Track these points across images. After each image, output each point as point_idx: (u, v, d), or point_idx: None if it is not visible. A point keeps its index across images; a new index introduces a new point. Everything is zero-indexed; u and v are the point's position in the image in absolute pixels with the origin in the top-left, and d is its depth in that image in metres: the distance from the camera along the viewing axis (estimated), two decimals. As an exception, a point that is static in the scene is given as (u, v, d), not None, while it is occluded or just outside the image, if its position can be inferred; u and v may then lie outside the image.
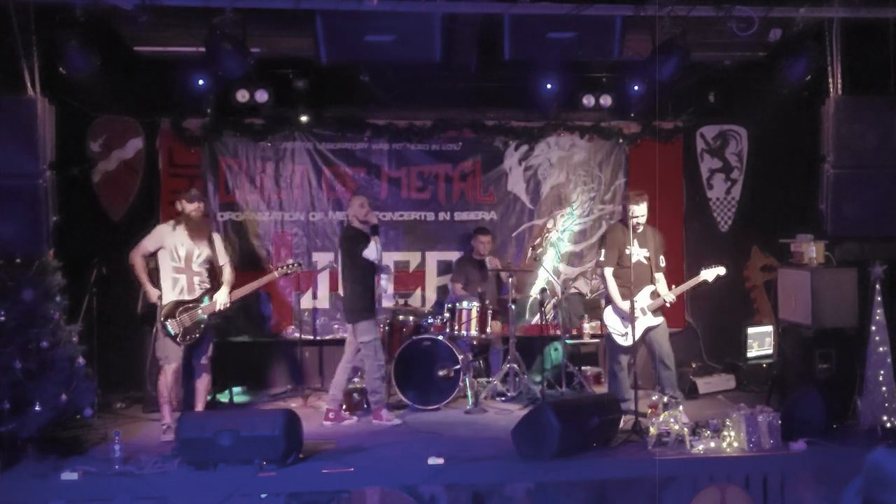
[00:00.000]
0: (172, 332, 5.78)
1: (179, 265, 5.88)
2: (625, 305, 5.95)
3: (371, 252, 6.24)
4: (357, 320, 6.31)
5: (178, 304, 5.84)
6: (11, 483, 4.96)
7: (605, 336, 6.31)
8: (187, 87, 6.61)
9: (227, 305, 6.04)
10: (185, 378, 6.00)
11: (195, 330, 5.87)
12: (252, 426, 5.10)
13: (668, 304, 6.09)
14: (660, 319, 6.11)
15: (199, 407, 6.08)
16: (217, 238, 6.22)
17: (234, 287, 6.12)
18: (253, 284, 6.21)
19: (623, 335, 6.05)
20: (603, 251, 6.19)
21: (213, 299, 5.96)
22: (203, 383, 6.06)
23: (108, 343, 6.65)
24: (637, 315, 5.96)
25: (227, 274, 6.12)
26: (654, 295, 6.10)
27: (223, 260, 6.14)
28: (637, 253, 6.09)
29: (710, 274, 6.10)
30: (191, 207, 5.94)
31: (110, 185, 7.50)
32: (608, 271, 6.12)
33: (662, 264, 6.22)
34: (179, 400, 5.99)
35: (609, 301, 6.17)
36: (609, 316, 6.16)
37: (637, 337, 5.96)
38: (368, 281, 6.40)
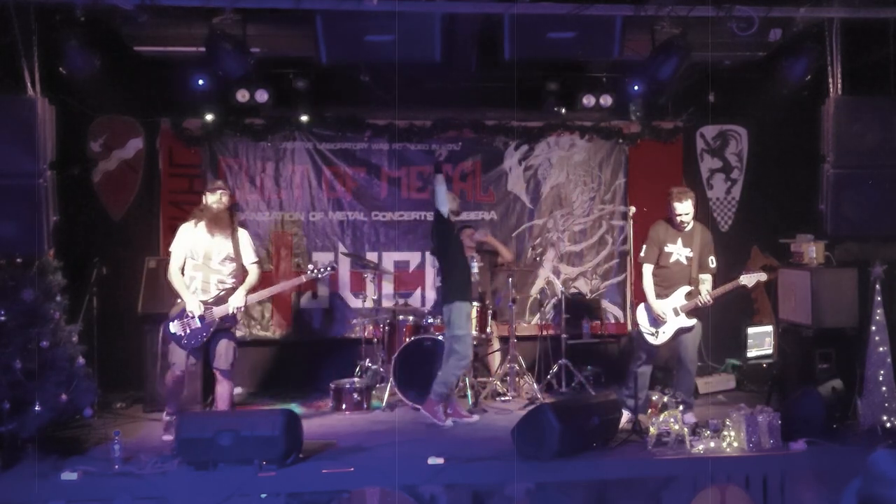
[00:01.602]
0: (176, 335, 5.62)
1: (197, 262, 5.66)
2: (657, 306, 5.93)
3: (440, 195, 6.14)
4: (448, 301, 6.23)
5: None
6: (11, 483, 4.96)
7: (635, 333, 6.25)
8: (187, 87, 6.62)
9: (241, 309, 5.77)
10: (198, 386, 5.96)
11: (202, 333, 5.63)
12: (252, 426, 5.09)
13: (700, 305, 5.94)
14: (692, 322, 5.99)
15: None
16: (244, 235, 5.86)
17: (256, 289, 5.87)
18: (277, 287, 6.15)
19: (653, 334, 6.03)
20: (644, 247, 6.12)
21: (227, 301, 5.68)
22: (223, 390, 5.78)
23: (108, 343, 6.65)
24: (669, 315, 5.95)
25: (252, 276, 5.80)
26: (690, 296, 5.98)
27: (249, 259, 5.79)
28: (678, 252, 6.02)
29: (749, 279, 5.91)
30: (212, 199, 5.69)
31: (110, 185, 7.51)
32: (647, 268, 6.04)
33: (712, 265, 6.04)
34: (182, 401, 5.95)
35: (643, 298, 6.12)
36: (641, 314, 6.11)
37: (668, 337, 5.96)
38: (465, 269, 6.43)
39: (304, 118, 7.61)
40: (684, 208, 5.95)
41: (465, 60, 6.48)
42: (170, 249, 5.74)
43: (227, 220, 5.76)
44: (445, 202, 6.18)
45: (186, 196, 7.58)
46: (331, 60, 5.64)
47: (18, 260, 5.43)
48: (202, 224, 5.69)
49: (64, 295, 5.70)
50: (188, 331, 5.63)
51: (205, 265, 5.69)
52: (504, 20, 5.52)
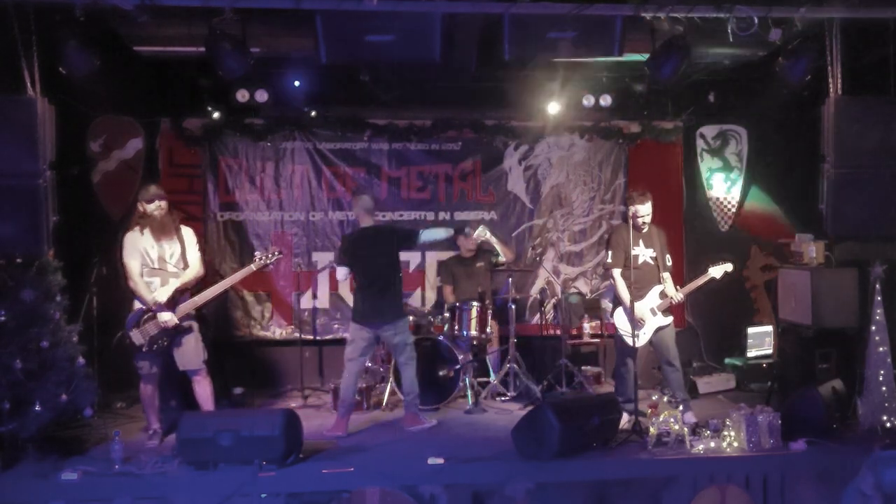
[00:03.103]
0: (137, 343, 5.56)
1: (154, 267, 5.64)
2: (635, 308, 5.93)
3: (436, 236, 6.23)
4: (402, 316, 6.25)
5: (144, 311, 5.59)
6: (11, 483, 4.96)
7: (615, 337, 6.27)
8: (187, 87, 6.61)
9: (160, 303, 5.55)
10: (183, 386, 5.91)
11: (162, 337, 5.59)
12: (252, 426, 5.09)
13: (674, 303, 6.03)
14: (669, 319, 6.07)
15: None
16: (188, 233, 5.81)
17: (206, 286, 5.82)
18: (228, 280, 5.92)
19: (633, 337, 6.02)
20: (609, 253, 6.16)
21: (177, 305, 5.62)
22: (203, 390, 5.77)
23: (108, 343, 6.65)
24: (647, 316, 5.96)
25: (187, 274, 5.69)
26: (663, 294, 6.05)
27: (191, 257, 5.74)
28: (643, 253, 6.06)
29: (717, 271, 6.04)
30: (151, 207, 5.64)
31: (110, 185, 7.50)
32: (616, 273, 6.08)
33: (669, 263, 6.16)
34: (167, 403, 5.95)
35: (618, 303, 6.15)
36: (619, 317, 6.13)
37: (648, 337, 5.97)
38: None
39: (305, 118, 7.61)
40: (646, 209, 6.01)
41: (465, 60, 6.48)
42: (124, 261, 5.64)
43: (171, 225, 5.74)
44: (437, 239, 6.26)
45: (186, 196, 7.60)
46: (331, 60, 5.63)
47: (18, 260, 5.42)
48: (148, 231, 5.66)
49: (64, 295, 5.70)
50: (147, 338, 5.57)
51: (161, 269, 5.67)
52: (504, 20, 5.52)
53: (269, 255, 5.96)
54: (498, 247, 7.41)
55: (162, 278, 5.66)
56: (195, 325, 5.78)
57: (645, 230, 6.07)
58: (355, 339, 6.09)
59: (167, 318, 5.54)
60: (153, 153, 7.61)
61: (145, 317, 5.58)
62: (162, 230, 5.67)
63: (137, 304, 5.63)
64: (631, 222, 6.02)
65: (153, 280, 5.66)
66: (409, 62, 6.03)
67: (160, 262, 5.67)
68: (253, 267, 5.90)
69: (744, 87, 7.41)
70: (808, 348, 6.35)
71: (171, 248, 5.70)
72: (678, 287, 6.15)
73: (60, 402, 5.40)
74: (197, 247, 5.86)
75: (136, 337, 5.57)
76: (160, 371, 5.74)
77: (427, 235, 6.15)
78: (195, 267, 5.78)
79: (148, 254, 5.65)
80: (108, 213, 7.49)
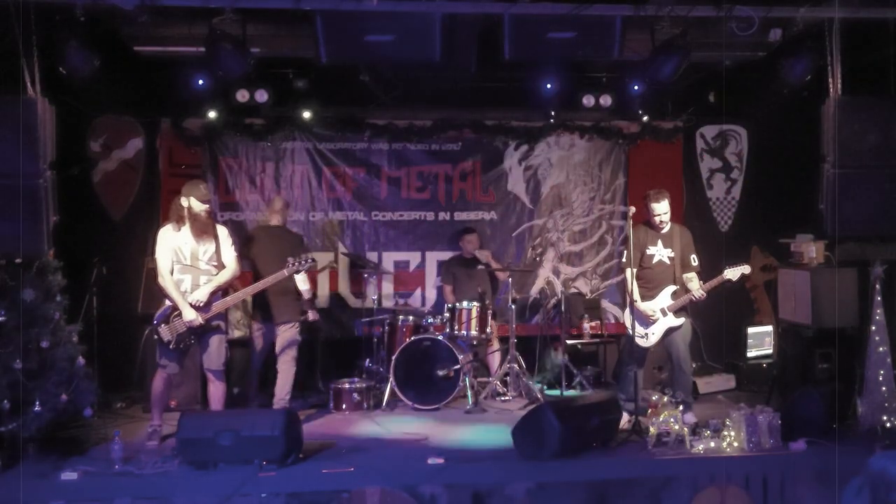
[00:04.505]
0: (165, 339, 5.57)
1: (185, 264, 5.62)
2: (644, 307, 5.92)
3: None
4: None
5: (172, 308, 5.59)
6: (11, 483, 4.95)
7: (625, 336, 6.25)
8: (187, 87, 6.61)
9: (202, 303, 5.56)
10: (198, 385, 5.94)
11: (189, 335, 5.60)
12: (252, 426, 5.09)
13: (694, 300, 5.91)
14: (681, 321, 5.99)
15: None
16: (223, 232, 5.79)
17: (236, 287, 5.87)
18: (260, 283, 5.87)
19: (641, 337, 6.01)
20: (625, 251, 6.15)
21: (210, 304, 5.60)
22: (216, 391, 5.76)
23: (108, 343, 6.65)
24: (658, 316, 5.94)
25: (227, 272, 5.70)
26: (676, 295, 5.99)
27: (227, 257, 5.72)
28: (660, 253, 6.03)
29: (733, 273, 5.91)
30: (200, 207, 5.60)
31: (111, 185, 7.51)
32: (629, 272, 6.03)
33: (695, 263, 6.06)
34: (168, 404, 5.97)
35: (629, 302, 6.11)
36: (628, 317, 6.10)
37: (658, 338, 5.95)
38: None
39: (305, 118, 7.62)
40: (662, 208, 5.98)
41: (465, 60, 6.48)
42: (156, 257, 5.66)
43: (211, 224, 5.75)
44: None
45: (186, 196, 7.59)
46: (331, 60, 5.64)
47: (18, 260, 5.42)
48: (186, 228, 5.64)
49: (64, 295, 5.70)
50: (175, 334, 5.58)
51: (193, 266, 5.65)
52: (504, 20, 5.52)
53: (301, 262, 5.85)
54: (496, 272, 7.46)
55: (193, 276, 5.64)
56: (223, 325, 5.78)
57: (665, 229, 6.03)
58: (255, 339, 6.50)
59: (191, 316, 5.54)
60: (153, 153, 7.61)
61: (174, 314, 5.59)
62: (204, 230, 5.67)
63: (194, 318, 5.57)
64: (630, 222, 6.02)
65: (184, 277, 5.63)
66: (409, 62, 6.04)
67: (192, 259, 5.64)
68: (286, 272, 5.86)
69: (744, 87, 7.40)
70: (808, 348, 6.35)
71: (205, 246, 5.69)
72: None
73: (60, 402, 5.41)
74: (233, 246, 5.84)
75: (165, 333, 5.58)
76: (180, 369, 5.77)
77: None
78: (231, 267, 5.76)
79: (181, 250, 5.63)
80: (109, 213, 7.50)
